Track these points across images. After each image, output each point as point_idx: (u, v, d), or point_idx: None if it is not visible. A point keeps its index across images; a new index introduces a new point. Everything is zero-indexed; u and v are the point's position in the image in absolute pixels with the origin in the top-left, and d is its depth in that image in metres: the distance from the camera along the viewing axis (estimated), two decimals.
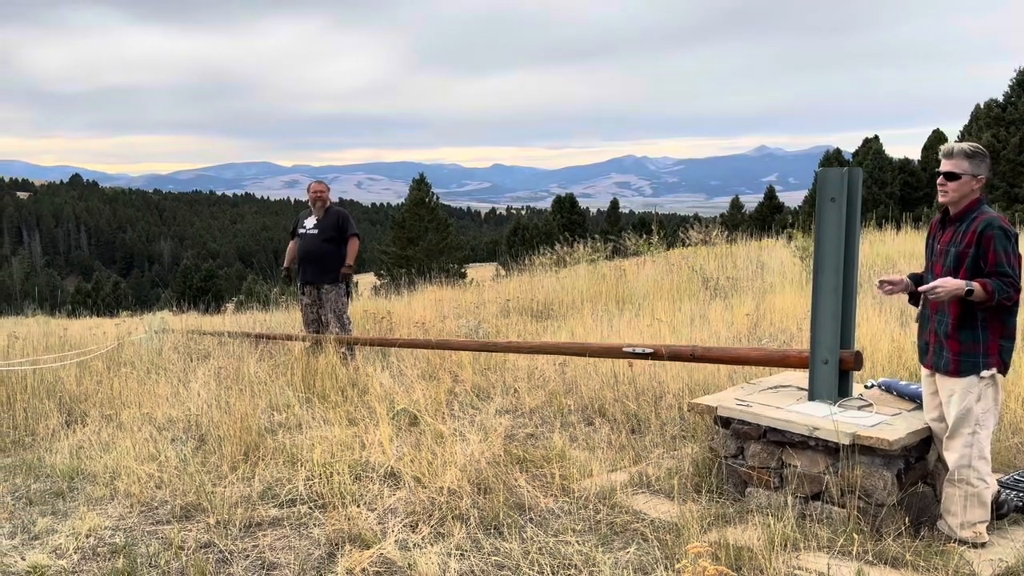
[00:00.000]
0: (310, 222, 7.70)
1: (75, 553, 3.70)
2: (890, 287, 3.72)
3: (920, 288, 3.52)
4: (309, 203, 7.85)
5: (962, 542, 3.47)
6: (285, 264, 8.11)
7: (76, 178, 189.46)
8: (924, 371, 3.77)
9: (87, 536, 3.86)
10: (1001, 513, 3.71)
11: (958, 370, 3.53)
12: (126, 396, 6.37)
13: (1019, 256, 3.44)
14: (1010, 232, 3.44)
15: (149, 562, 3.56)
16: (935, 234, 3.70)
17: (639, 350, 5.11)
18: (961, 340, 3.52)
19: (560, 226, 44.05)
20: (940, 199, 3.59)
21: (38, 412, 6.15)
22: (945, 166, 3.54)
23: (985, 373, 3.50)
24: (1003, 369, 3.55)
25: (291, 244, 8.01)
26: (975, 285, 3.37)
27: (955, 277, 3.47)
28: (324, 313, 7.63)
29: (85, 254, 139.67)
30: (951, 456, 3.58)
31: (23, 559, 3.61)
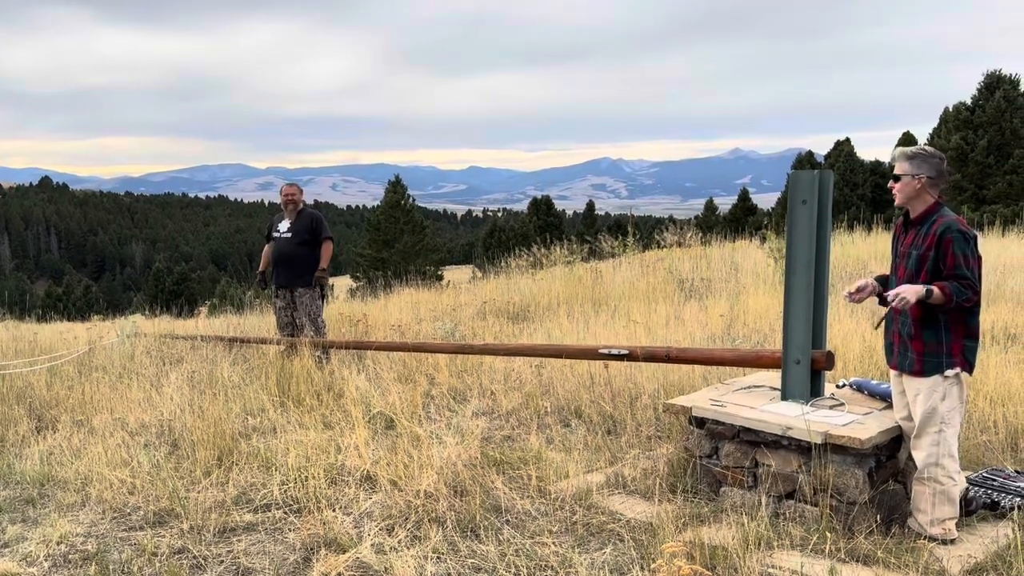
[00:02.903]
0: (283, 225, 7.66)
1: (46, 560, 3.65)
2: (858, 295, 3.80)
3: (887, 295, 3.59)
4: (281, 206, 7.81)
5: (932, 539, 3.52)
6: (260, 268, 8.06)
7: (46, 180, 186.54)
8: (892, 371, 3.83)
9: (58, 543, 3.81)
10: (970, 510, 3.77)
11: (922, 370, 3.60)
12: (98, 401, 6.29)
13: (978, 258, 3.52)
14: (968, 235, 3.51)
15: (122, 569, 3.52)
16: (898, 236, 3.80)
17: (615, 351, 5.14)
18: (925, 340, 3.59)
19: (536, 228, 44.12)
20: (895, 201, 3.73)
21: (7, 418, 6.05)
22: (895, 169, 3.68)
23: (949, 372, 3.56)
24: (967, 368, 3.61)
25: (266, 248, 7.96)
26: (934, 288, 3.45)
27: (917, 279, 3.56)
28: (298, 316, 7.58)
29: (55, 257, 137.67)
30: (919, 455, 3.63)
31: None
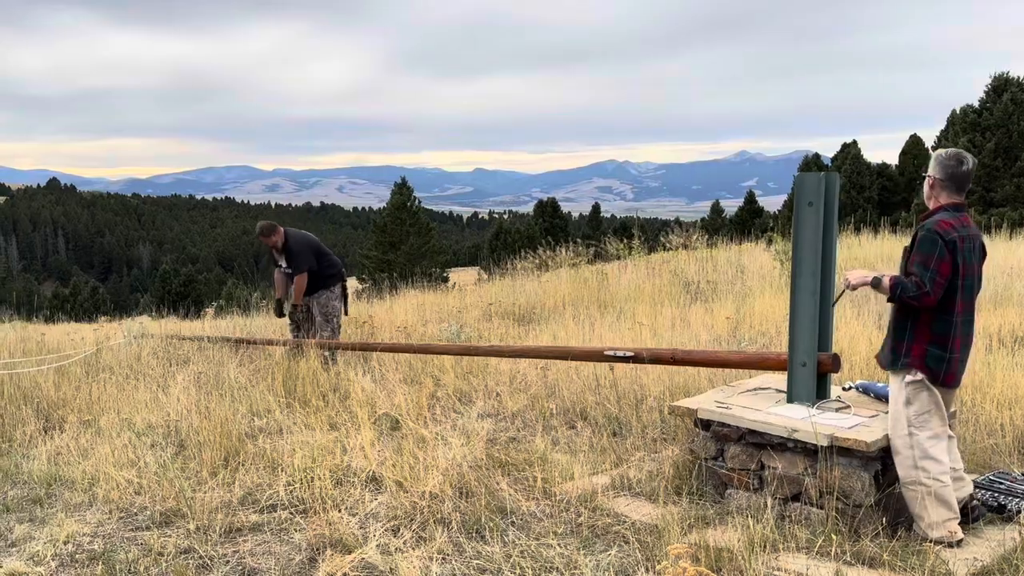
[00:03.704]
0: (282, 261, 7.78)
1: (53, 560, 3.66)
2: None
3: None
4: None
5: (937, 542, 3.51)
6: (277, 295, 8.06)
7: (53, 182, 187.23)
8: None
9: (65, 543, 3.82)
10: (976, 515, 3.75)
11: (886, 364, 3.71)
12: (105, 402, 6.32)
13: (946, 262, 3.47)
14: (940, 236, 3.48)
15: (128, 568, 3.53)
16: None
17: (620, 353, 5.14)
18: (894, 337, 3.69)
19: (542, 230, 44.11)
20: None
21: (15, 418, 6.08)
22: None
23: (910, 377, 3.59)
24: (931, 376, 3.57)
25: (277, 273, 7.98)
26: (883, 278, 3.58)
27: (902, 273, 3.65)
28: (314, 314, 7.68)
29: (63, 259, 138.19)
30: (897, 460, 3.64)
31: (0, 566, 3.57)
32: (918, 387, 3.58)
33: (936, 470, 3.56)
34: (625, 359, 5.13)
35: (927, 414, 3.59)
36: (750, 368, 4.89)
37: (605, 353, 5.27)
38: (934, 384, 3.59)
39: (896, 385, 3.65)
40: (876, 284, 3.60)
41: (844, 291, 3.90)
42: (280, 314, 8.03)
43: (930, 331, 3.57)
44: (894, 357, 3.65)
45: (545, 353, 6.07)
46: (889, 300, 3.61)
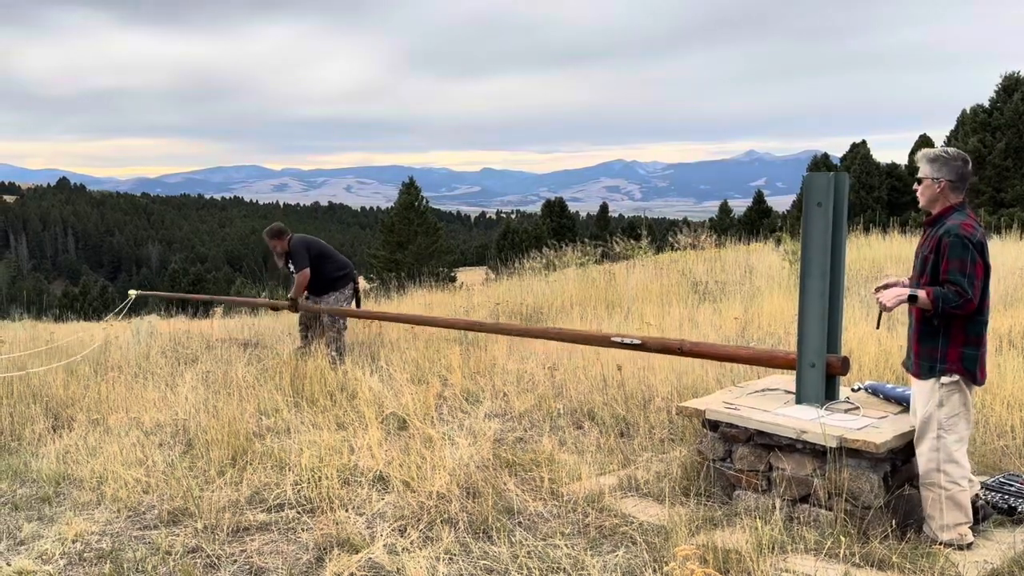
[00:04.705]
0: (286, 265, 7.88)
1: (61, 559, 3.67)
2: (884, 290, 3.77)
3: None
4: None
5: (947, 544, 3.50)
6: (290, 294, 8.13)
7: (63, 181, 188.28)
8: None
9: (73, 541, 3.84)
10: (982, 515, 3.73)
11: (919, 373, 3.63)
12: (113, 400, 6.34)
13: (979, 264, 3.44)
14: (968, 240, 3.44)
15: (136, 567, 3.54)
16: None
17: (627, 341, 5.10)
18: (922, 344, 3.61)
19: (550, 230, 44.14)
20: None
21: (24, 416, 6.11)
22: (919, 171, 3.70)
23: (945, 379, 3.54)
24: (969, 377, 3.55)
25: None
26: (920, 293, 3.47)
27: (920, 281, 3.59)
28: (322, 315, 7.71)
29: (72, 258, 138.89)
30: (920, 460, 3.63)
31: (8, 564, 3.59)
32: (953, 389, 3.55)
33: (957, 474, 3.55)
34: (632, 346, 5.09)
35: (957, 416, 3.56)
36: (758, 364, 4.86)
37: (612, 339, 5.23)
38: (971, 384, 3.57)
39: (927, 388, 3.59)
40: (913, 300, 3.49)
41: (881, 313, 3.78)
42: (295, 309, 8.03)
43: (964, 334, 3.52)
44: (930, 365, 3.57)
45: (553, 335, 6.00)
46: (932, 314, 3.49)
